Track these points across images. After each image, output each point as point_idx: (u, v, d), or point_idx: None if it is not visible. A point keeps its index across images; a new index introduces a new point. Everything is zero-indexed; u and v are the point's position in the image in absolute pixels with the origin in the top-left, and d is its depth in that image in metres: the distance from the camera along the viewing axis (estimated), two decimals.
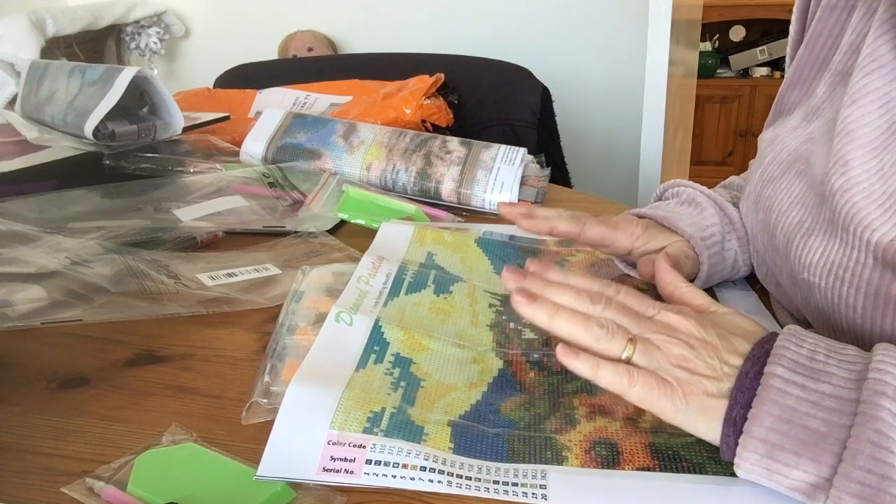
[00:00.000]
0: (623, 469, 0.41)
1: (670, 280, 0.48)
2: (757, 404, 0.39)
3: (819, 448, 0.36)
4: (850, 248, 0.44)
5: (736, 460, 0.39)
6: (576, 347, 0.42)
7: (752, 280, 0.63)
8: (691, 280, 0.57)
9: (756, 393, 0.39)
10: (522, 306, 0.43)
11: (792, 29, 0.59)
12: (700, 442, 0.42)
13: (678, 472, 0.41)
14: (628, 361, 0.41)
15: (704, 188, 0.64)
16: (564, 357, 0.41)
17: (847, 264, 0.44)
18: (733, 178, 0.69)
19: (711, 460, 0.42)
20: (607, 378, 0.41)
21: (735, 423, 0.39)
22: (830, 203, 0.45)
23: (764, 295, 0.61)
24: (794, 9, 0.58)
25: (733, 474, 0.39)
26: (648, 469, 0.41)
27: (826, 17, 0.55)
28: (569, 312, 0.43)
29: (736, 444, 0.38)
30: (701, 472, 0.41)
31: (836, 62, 0.52)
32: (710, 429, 0.40)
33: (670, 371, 0.41)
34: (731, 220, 0.61)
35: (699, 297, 0.46)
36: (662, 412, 0.40)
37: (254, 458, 0.42)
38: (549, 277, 0.46)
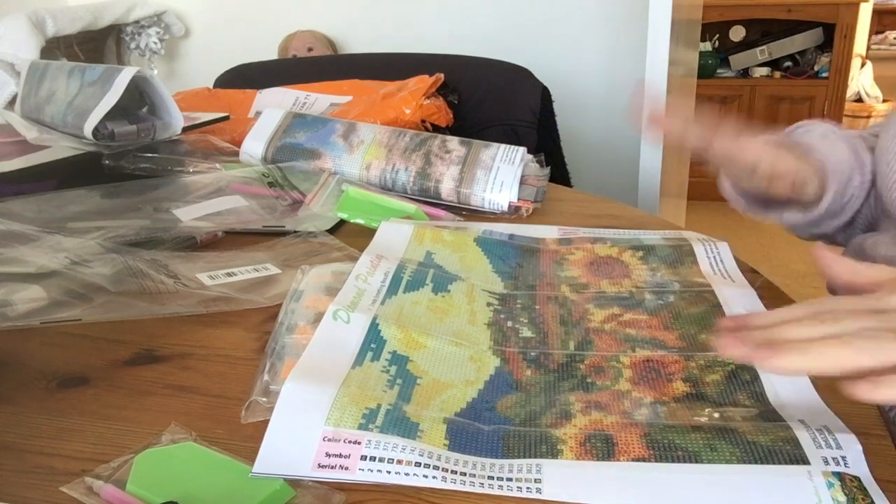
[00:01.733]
0: (618, 460, 0.41)
1: (844, 269, 0.41)
2: None
3: None
4: None
5: None
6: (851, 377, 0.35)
7: (751, 278, 0.64)
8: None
9: None
10: (767, 361, 0.36)
11: None
12: (696, 430, 0.42)
13: (673, 461, 0.41)
14: None
15: (837, 128, 0.66)
16: (863, 392, 0.34)
17: None
18: (829, 127, 0.68)
19: (707, 448, 0.42)
20: None
21: None
22: None
23: (765, 295, 0.61)
24: None
25: (727, 462, 0.40)
26: (643, 460, 0.41)
27: None
28: (819, 343, 0.36)
29: None
30: (696, 462, 0.41)
31: None
32: None
33: None
34: (861, 162, 0.63)
35: (887, 272, 0.41)
36: None
37: (253, 456, 0.42)
38: (756, 323, 0.39)
